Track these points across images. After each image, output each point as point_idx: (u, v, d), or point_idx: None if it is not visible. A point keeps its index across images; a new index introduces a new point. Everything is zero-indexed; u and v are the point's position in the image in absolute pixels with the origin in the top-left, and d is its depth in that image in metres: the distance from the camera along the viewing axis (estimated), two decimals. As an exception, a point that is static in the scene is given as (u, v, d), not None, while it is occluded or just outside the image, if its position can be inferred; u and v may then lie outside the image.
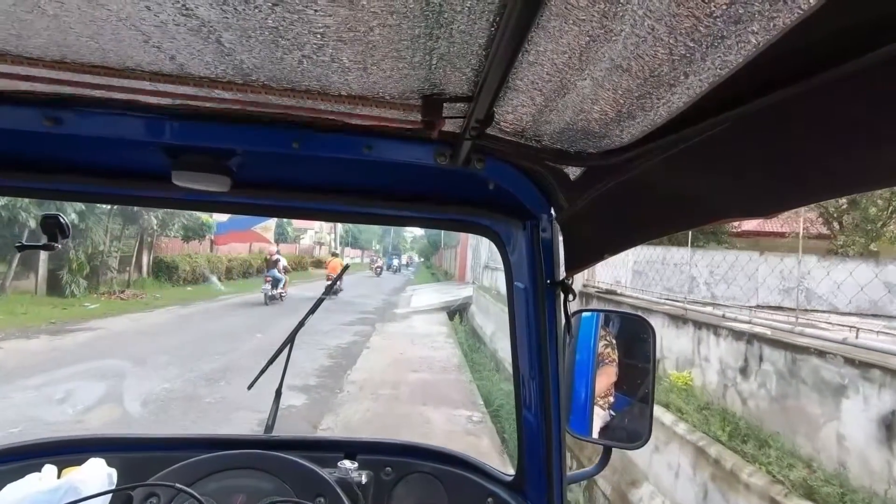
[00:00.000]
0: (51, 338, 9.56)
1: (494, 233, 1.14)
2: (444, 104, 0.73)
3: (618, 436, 1.11)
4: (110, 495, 1.07)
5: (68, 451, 1.23)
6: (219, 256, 20.97)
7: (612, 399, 1.10)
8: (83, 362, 7.77)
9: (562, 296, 1.07)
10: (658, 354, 6.43)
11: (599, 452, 1.14)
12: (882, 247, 10.21)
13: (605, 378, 1.11)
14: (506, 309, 1.20)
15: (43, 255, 12.02)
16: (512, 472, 1.28)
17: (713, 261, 9.18)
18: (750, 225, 11.79)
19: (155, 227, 16.48)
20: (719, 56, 0.49)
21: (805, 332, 4.89)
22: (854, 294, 6.71)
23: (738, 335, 5.42)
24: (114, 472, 1.16)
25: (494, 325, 12.13)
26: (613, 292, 8.73)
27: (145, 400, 6.37)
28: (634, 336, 1.14)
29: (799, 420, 4.47)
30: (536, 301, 1.06)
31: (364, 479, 1.22)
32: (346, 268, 2.38)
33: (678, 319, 6.55)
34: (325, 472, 1.15)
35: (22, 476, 1.08)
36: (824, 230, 11.09)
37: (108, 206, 13.51)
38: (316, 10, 0.51)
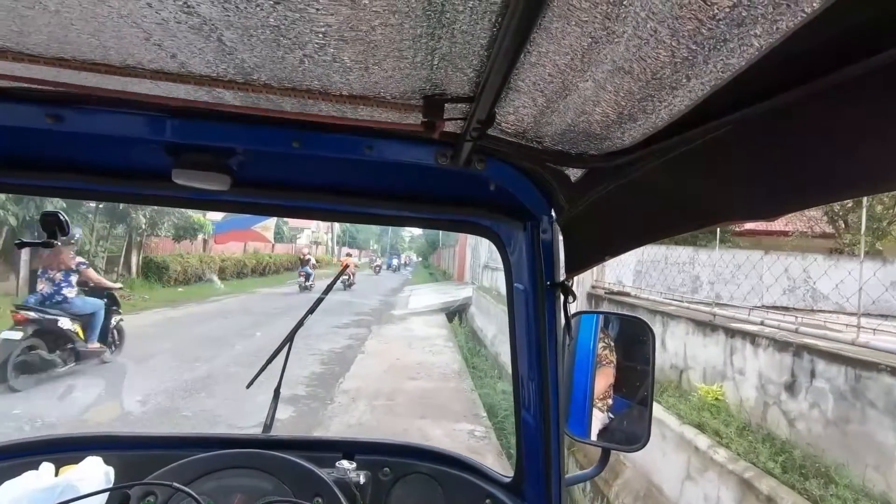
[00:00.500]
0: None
1: (495, 234, 1.14)
2: (446, 104, 0.73)
3: (616, 438, 1.11)
4: (107, 494, 1.06)
5: (66, 449, 1.23)
6: (212, 256, 20.63)
7: (611, 401, 1.10)
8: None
9: (562, 297, 1.07)
10: (682, 364, 6.11)
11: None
12: (886, 245, 10.09)
13: (605, 380, 1.11)
14: (507, 310, 1.20)
15: (24, 255, 11.61)
16: (510, 473, 1.28)
17: (734, 259, 8.36)
18: (753, 223, 11.74)
19: (144, 227, 16.19)
20: (721, 59, 0.49)
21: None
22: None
23: (782, 345, 4.70)
24: (111, 471, 1.16)
25: (496, 328, 11.81)
26: (625, 293, 8.03)
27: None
28: (634, 338, 1.14)
29: (866, 449, 3.77)
30: (536, 302, 1.06)
31: (362, 480, 1.22)
32: (345, 268, 2.38)
33: (706, 326, 5.79)
34: (323, 472, 1.15)
35: (19, 474, 1.08)
36: (829, 229, 11.05)
37: (94, 204, 13.25)
38: (318, 10, 0.51)
